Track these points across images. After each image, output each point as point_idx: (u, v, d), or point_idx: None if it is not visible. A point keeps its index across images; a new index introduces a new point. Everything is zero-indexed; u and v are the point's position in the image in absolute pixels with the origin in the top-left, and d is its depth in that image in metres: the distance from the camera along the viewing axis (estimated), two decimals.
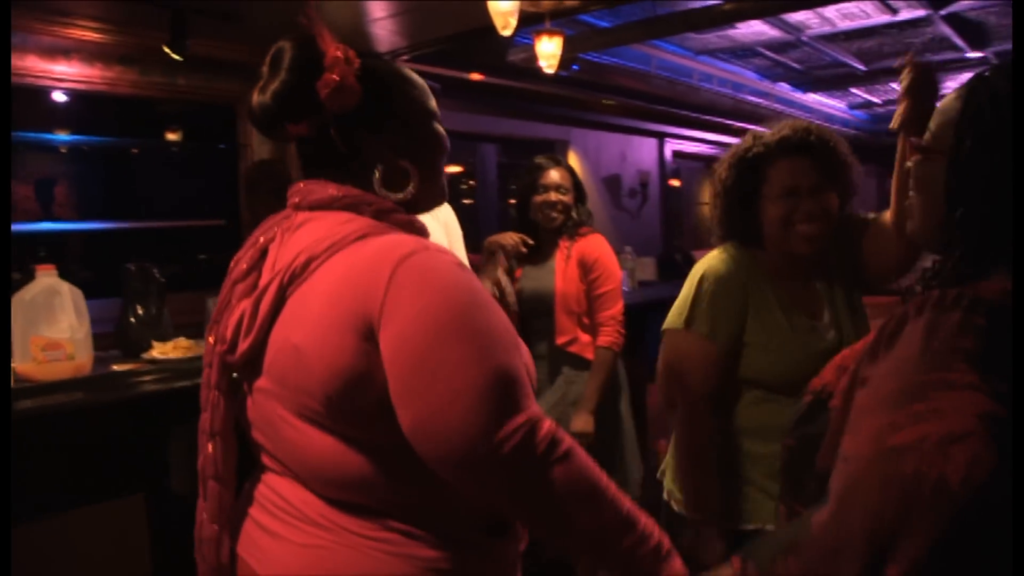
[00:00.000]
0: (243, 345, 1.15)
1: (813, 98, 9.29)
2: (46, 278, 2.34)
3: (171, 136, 5.32)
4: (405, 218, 1.19)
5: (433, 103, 1.27)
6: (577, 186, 2.98)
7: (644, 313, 4.42)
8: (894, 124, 1.59)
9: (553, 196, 2.89)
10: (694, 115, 7.61)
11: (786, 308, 1.81)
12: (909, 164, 1.09)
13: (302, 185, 1.21)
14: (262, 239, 1.22)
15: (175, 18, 3.42)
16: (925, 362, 0.87)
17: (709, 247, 1.93)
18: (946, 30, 6.48)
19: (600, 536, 1.08)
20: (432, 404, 1.01)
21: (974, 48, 6.93)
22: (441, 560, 1.10)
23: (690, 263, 8.37)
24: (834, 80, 8.32)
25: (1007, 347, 0.86)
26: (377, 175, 1.18)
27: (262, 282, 1.16)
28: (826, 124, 7.34)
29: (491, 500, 1.09)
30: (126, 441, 2.38)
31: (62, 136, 4.87)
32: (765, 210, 1.79)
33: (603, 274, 2.87)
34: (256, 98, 1.20)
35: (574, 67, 5.62)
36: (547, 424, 1.06)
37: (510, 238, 2.88)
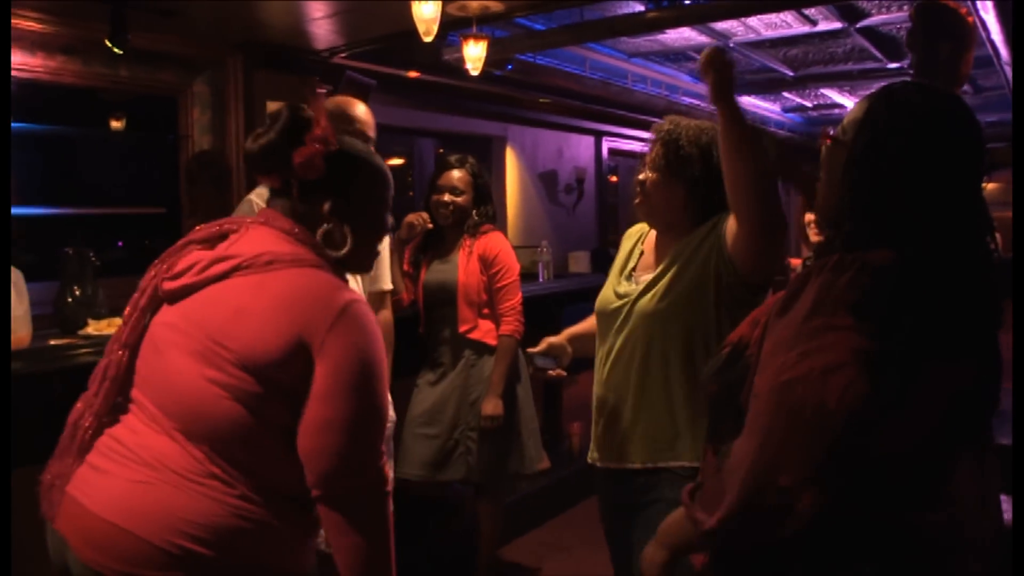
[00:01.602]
0: (184, 279, 1.46)
1: (747, 101, 9.61)
2: None
3: (115, 125, 5.43)
4: (336, 268, 1.53)
5: (388, 193, 1.62)
6: (478, 188, 3.20)
7: (560, 304, 4.66)
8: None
9: (446, 197, 3.13)
10: (629, 114, 7.89)
11: (627, 263, 2.16)
12: (821, 149, 1.33)
13: (268, 210, 1.54)
14: (226, 225, 1.55)
15: (115, 12, 3.57)
16: (816, 312, 1.10)
17: None
18: (864, 42, 6.83)
19: (366, 559, 1.43)
20: (345, 415, 1.39)
21: (891, 59, 7.31)
22: (247, 511, 1.38)
23: None
24: (765, 84, 8.65)
25: (886, 301, 1.09)
26: (321, 231, 1.52)
27: (218, 252, 1.49)
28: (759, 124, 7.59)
29: (327, 490, 1.41)
30: (62, 408, 2.55)
31: None
32: None
33: (503, 269, 3.12)
34: (249, 144, 1.53)
35: (508, 67, 5.85)
36: (385, 461, 1.48)
37: (416, 216, 3.13)
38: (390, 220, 1.66)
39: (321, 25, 4.49)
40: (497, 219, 3.40)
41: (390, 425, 2.28)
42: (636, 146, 9.61)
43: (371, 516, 1.43)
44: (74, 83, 4.16)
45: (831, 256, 1.16)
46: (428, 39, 3.61)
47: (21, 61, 3.92)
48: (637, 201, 2.09)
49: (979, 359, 1.17)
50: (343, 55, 5.01)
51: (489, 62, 5.47)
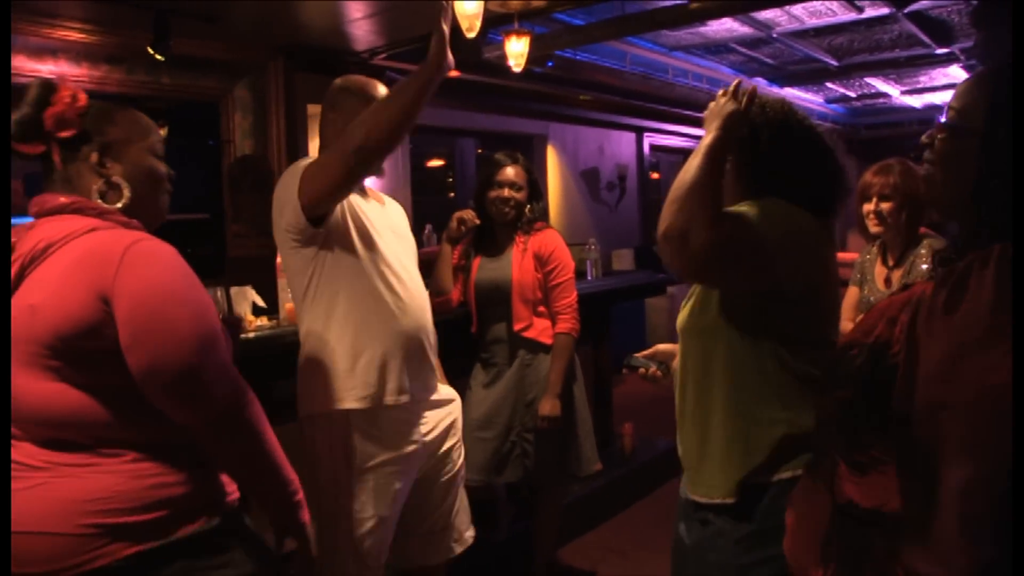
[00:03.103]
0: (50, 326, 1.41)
1: (790, 92, 9.45)
2: None
3: (159, 132, 5.44)
4: (124, 219, 1.50)
5: (152, 137, 1.59)
6: (532, 184, 3.15)
7: (610, 302, 4.58)
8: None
9: (506, 192, 3.07)
10: (670, 109, 7.79)
11: None
12: (925, 140, 1.21)
13: (39, 197, 1.53)
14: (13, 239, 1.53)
15: (158, 20, 3.57)
16: (1003, 305, 0.98)
17: None
18: (912, 28, 6.67)
19: (272, 459, 1.52)
20: (163, 350, 1.37)
21: (940, 44, 7.13)
22: (142, 470, 1.42)
23: None
24: (808, 75, 8.51)
25: None
26: (95, 188, 1.51)
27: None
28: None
29: (195, 423, 1.44)
30: None
31: None
32: None
33: (558, 266, 3.05)
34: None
35: (549, 63, 5.79)
36: (238, 373, 1.47)
37: (464, 212, 3.07)
38: (162, 167, 1.61)
39: (361, 26, 4.47)
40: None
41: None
42: (678, 141, 9.50)
43: (243, 427, 1.48)
44: (118, 91, 4.17)
45: (989, 248, 1.04)
46: (471, 35, 3.56)
47: (67, 72, 3.95)
48: None
49: None
50: (383, 56, 4.98)
51: (530, 59, 5.41)
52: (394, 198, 2.57)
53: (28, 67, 3.84)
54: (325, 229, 2.15)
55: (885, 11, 6.20)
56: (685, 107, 7.82)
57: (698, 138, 1.72)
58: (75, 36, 3.81)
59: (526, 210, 3.10)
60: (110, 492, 1.39)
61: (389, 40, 4.81)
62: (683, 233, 1.50)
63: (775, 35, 6.71)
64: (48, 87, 1.52)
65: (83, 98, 1.53)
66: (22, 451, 1.43)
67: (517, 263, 3.03)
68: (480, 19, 3.51)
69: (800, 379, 1.60)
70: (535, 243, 3.06)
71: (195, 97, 4.55)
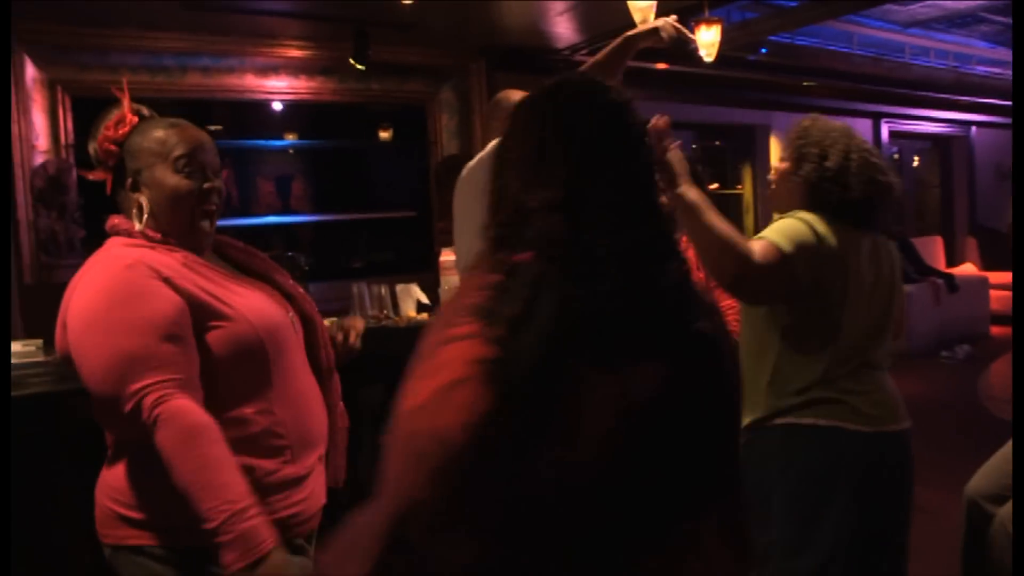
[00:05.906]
0: (58, 347, 1.58)
1: None
2: None
3: (383, 135, 5.82)
4: (157, 237, 1.55)
5: (173, 157, 1.56)
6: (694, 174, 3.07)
7: None
8: None
9: None
10: (910, 92, 7.20)
11: None
12: None
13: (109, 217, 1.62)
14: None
15: (356, 32, 3.83)
16: (439, 324, 0.95)
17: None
18: None
19: (189, 489, 1.38)
20: (84, 374, 1.45)
21: None
22: (144, 471, 1.48)
23: (907, 248, 7.77)
24: None
25: (518, 300, 0.90)
26: (132, 209, 1.56)
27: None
28: None
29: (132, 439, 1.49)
30: None
31: (290, 140, 5.47)
32: None
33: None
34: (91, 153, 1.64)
35: (762, 50, 5.55)
36: (153, 396, 1.40)
37: None
38: (186, 183, 1.55)
39: (560, 23, 4.52)
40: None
41: None
42: (924, 126, 8.74)
43: (168, 444, 1.39)
44: (333, 99, 4.52)
45: (505, 258, 0.98)
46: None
47: (288, 85, 4.34)
48: (771, 188, 2.16)
49: (669, 364, 0.94)
50: (584, 52, 5.00)
51: (740, 46, 5.19)
52: None
53: (255, 84, 4.25)
54: None
55: None
56: (927, 88, 7.20)
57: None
58: (293, 52, 4.17)
59: None
60: (117, 483, 1.53)
61: (588, 36, 4.82)
62: (739, 281, 1.79)
63: None
64: (107, 117, 1.60)
65: (122, 127, 1.58)
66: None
67: None
68: (653, 12, 3.42)
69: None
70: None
71: (404, 101, 4.83)
